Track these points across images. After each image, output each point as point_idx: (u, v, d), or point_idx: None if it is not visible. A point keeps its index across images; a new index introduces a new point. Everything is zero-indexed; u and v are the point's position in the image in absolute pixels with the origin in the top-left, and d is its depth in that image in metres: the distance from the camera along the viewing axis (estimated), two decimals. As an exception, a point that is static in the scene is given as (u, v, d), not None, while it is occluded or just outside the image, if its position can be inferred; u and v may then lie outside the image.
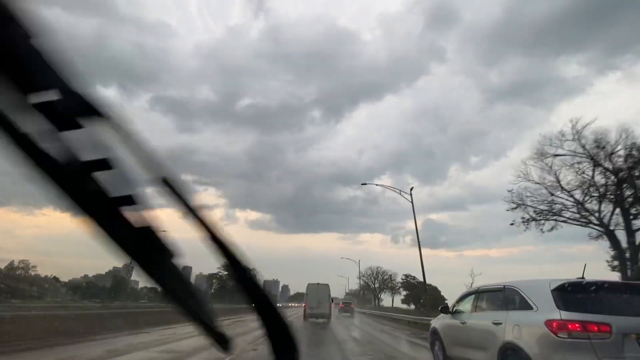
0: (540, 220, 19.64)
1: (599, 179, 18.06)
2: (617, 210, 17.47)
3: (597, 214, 18.12)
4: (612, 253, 18.37)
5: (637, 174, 17.10)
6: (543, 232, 19.60)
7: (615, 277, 17.50)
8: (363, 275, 65.80)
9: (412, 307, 55.10)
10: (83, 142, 0.47)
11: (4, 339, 7.35)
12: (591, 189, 18.18)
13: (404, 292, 65.67)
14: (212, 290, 53.84)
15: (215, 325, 0.66)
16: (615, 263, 18.44)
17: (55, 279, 46.73)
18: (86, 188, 0.48)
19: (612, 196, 17.62)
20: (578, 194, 18.76)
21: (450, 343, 6.08)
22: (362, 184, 31.44)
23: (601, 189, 17.89)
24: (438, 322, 6.85)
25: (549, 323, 3.80)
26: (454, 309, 6.28)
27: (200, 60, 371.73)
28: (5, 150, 0.44)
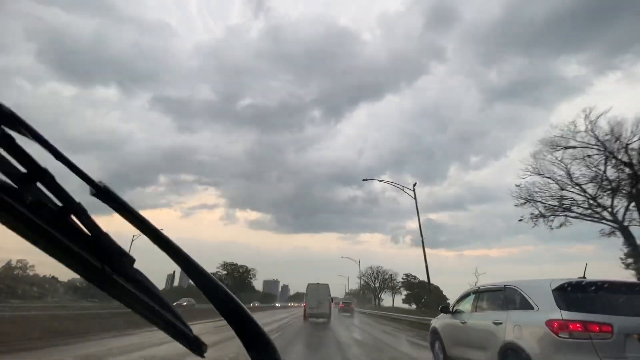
0: (549, 216, 18.81)
1: (612, 172, 17.16)
2: (632, 204, 16.67)
3: (610, 209, 17.28)
4: (626, 250, 17.47)
5: None
6: (552, 228, 18.81)
7: (629, 275, 16.95)
8: (363, 275, 65.84)
9: (414, 307, 55.14)
10: (16, 153, 0.45)
11: (4, 339, 7.34)
12: (604, 183, 17.25)
13: (405, 292, 65.72)
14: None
15: (187, 330, 0.63)
16: (630, 260, 17.50)
17: (54, 278, 46.70)
18: (27, 200, 0.46)
19: (626, 190, 16.71)
20: (590, 188, 17.83)
21: (451, 343, 6.05)
22: (363, 180, 31.12)
23: (614, 183, 16.98)
24: (438, 321, 6.83)
25: (550, 323, 3.78)
26: (454, 308, 6.25)
27: (200, 60, 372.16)
28: None
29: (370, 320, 26.09)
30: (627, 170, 16.70)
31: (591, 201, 17.90)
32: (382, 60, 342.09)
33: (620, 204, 17.16)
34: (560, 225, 18.86)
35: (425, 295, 51.88)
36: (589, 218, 18.18)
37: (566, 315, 3.73)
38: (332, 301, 22.33)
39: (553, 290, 4.01)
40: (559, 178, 18.56)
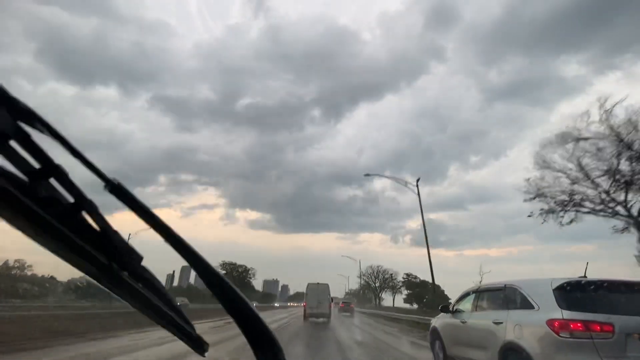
0: (559, 211, 17.89)
1: (626, 165, 15.97)
2: None
3: (624, 204, 16.25)
4: None
5: None
6: (562, 225, 17.97)
7: None
8: (364, 274, 65.83)
9: (415, 306, 55.04)
10: (31, 149, 0.45)
11: (4, 339, 7.33)
12: (617, 176, 16.18)
13: (406, 292, 65.68)
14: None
15: (190, 329, 0.63)
16: None
17: (53, 278, 46.65)
18: (40, 195, 0.46)
19: None
20: (603, 182, 16.71)
21: (451, 342, 6.04)
22: (365, 175, 31.17)
23: (627, 176, 15.92)
24: (438, 321, 6.82)
25: (550, 322, 3.77)
26: (455, 308, 6.24)
27: (199, 59, 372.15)
28: None
29: (370, 320, 26.08)
30: None
31: (604, 195, 16.84)
32: (382, 60, 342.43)
33: (634, 198, 16.14)
34: (571, 222, 17.94)
35: (426, 294, 51.80)
36: (602, 213, 17.18)
37: (567, 314, 3.72)
38: (332, 301, 22.32)
39: (554, 290, 4.00)
40: (569, 172, 17.53)
